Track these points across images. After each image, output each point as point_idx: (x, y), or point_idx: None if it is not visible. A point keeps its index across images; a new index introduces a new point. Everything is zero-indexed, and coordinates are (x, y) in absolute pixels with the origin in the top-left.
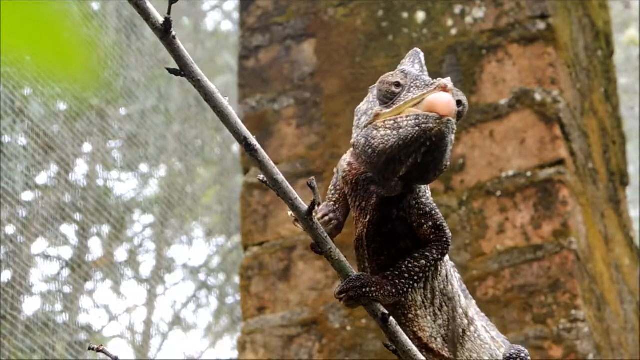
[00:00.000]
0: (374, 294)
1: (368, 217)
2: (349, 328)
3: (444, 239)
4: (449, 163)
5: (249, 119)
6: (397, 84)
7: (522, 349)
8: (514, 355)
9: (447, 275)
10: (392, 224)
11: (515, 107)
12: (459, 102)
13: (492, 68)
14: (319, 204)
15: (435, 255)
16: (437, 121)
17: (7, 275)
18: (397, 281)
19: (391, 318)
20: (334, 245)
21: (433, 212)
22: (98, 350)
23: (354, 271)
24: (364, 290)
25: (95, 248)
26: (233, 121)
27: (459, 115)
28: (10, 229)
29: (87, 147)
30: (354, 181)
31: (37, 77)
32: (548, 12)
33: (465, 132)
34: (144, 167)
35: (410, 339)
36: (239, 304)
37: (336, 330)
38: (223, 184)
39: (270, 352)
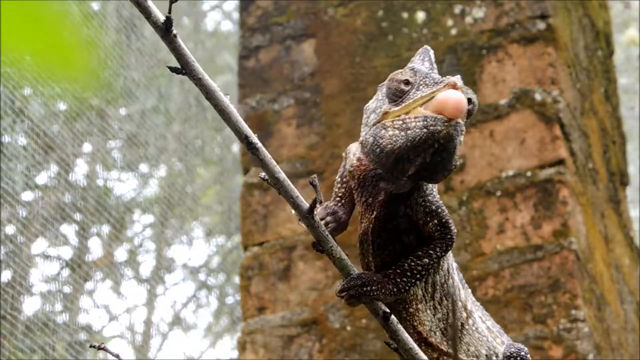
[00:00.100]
0: (375, 293)
1: (374, 213)
2: (349, 328)
3: (449, 236)
4: (457, 163)
5: (249, 119)
6: (407, 82)
7: (522, 347)
8: (514, 354)
9: (448, 270)
10: (397, 221)
11: (515, 107)
12: (469, 100)
13: (492, 68)
14: (320, 202)
15: (438, 253)
16: (446, 124)
17: (7, 275)
18: (398, 280)
19: (392, 316)
20: (335, 243)
21: (439, 210)
22: (99, 348)
23: (355, 269)
24: (365, 289)
25: (95, 248)
26: (234, 120)
27: (469, 114)
28: (10, 229)
29: (87, 147)
30: (361, 177)
31: (37, 77)
32: (548, 12)
33: (465, 132)
34: (144, 167)
35: (409, 332)
36: (239, 304)
37: (336, 330)
38: (223, 184)
39: (270, 352)
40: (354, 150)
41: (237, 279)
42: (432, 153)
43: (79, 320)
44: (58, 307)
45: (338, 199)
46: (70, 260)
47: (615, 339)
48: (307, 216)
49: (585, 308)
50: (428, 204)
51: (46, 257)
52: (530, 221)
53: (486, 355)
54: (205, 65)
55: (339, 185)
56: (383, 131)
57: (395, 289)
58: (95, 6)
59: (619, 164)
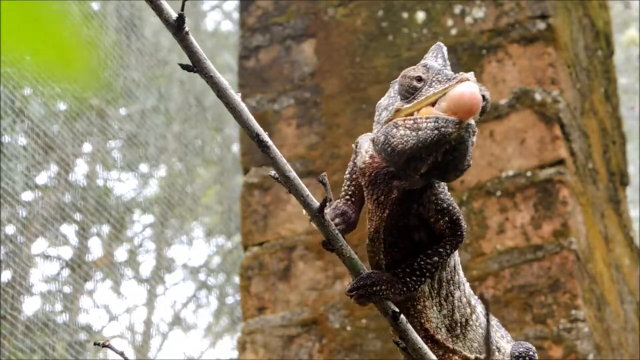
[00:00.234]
0: (385, 293)
1: (387, 211)
2: (349, 328)
3: (459, 233)
4: (470, 164)
5: None
6: (419, 79)
7: (530, 346)
8: (523, 354)
9: (454, 266)
10: (408, 218)
11: (515, 107)
12: (482, 97)
13: (492, 68)
14: (330, 200)
15: (448, 251)
16: (457, 126)
17: (7, 275)
18: (408, 279)
19: (402, 316)
20: (345, 242)
21: (450, 208)
22: (104, 346)
23: (365, 269)
24: (374, 288)
25: (95, 248)
26: (245, 117)
27: (482, 110)
28: (10, 229)
29: (87, 147)
30: (373, 174)
31: (37, 77)
32: (548, 12)
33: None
34: (144, 167)
35: (416, 330)
36: (239, 304)
37: (336, 330)
38: (223, 184)
39: (270, 352)
40: (366, 147)
41: (237, 279)
42: (444, 153)
43: (79, 320)
44: (58, 307)
45: (348, 197)
46: (70, 260)
47: (615, 339)
48: (317, 215)
49: (585, 308)
50: (440, 201)
51: (46, 257)
52: (530, 221)
53: (482, 343)
54: None
55: (348, 182)
56: (394, 130)
57: (404, 288)
58: (95, 6)
59: (619, 164)
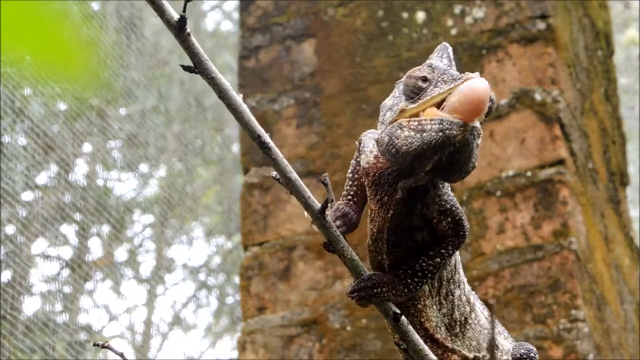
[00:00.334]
0: (386, 294)
1: (391, 212)
2: (349, 328)
3: (461, 233)
4: (475, 165)
5: None
6: (424, 79)
7: (531, 347)
8: (524, 356)
9: (455, 265)
10: (412, 219)
11: (515, 107)
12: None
13: (492, 68)
14: (332, 201)
15: (450, 251)
16: (461, 128)
17: (7, 275)
18: (409, 280)
19: (403, 317)
20: (346, 243)
21: (453, 209)
22: (103, 346)
23: (366, 270)
24: (375, 290)
25: (95, 248)
26: (247, 118)
27: (488, 111)
28: (10, 229)
29: (87, 147)
30: (377, 175)
31: (37, 77)
32: (548, 12)
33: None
34: (144, 167)
35: (416, 329)
36: (239, 304)
37: (336, 330)
38: (223, 184)
39: (270, 352)
40: (370, 147)
41: (237, 279)
42: (448, 153)
43: (79, 320)
44: (58, 307)
45: (350, 197)
46: (70, 260)
47: (615, 339)
48: (319, 217)
49: (585, 308)
50: (443, 202)
51: (46, 257)
52: (530, 221)
53: (486, 348)
54: None
55: (350, 182)
56: (399, 131)
57: (406, 290)
58: (95, 6)
59: (619, 164)
